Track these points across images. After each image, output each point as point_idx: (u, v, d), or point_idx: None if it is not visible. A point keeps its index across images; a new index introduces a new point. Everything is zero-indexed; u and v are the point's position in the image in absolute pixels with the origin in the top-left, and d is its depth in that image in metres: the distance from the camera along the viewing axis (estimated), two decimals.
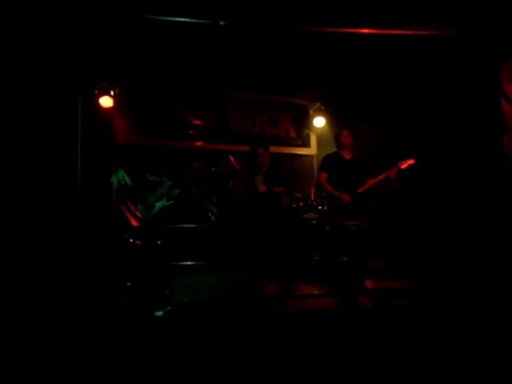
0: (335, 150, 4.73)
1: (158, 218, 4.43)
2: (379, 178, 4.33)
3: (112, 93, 5.08)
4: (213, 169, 4.96)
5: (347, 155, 4.55)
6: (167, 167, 4.92)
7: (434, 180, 4.85)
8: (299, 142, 6.43)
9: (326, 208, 4.74)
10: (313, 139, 6.48)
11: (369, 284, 4.30)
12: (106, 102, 5.06)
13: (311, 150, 6.48)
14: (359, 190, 4.33)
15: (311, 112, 6.20)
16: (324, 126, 6.05)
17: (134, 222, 4.75)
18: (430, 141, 4.91)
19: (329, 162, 4.55)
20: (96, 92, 4.99)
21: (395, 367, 2.32)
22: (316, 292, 4.28)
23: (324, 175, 4.45)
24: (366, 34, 4.17)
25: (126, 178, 5.00)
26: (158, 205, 4.47)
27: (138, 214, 4.73)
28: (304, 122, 6.37)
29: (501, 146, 4.16)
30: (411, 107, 5.21)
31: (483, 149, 4.34)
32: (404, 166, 4.26)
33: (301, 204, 5.19)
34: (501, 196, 4.09)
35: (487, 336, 2.69)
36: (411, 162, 4.28)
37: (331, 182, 4.43)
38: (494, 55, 4.22)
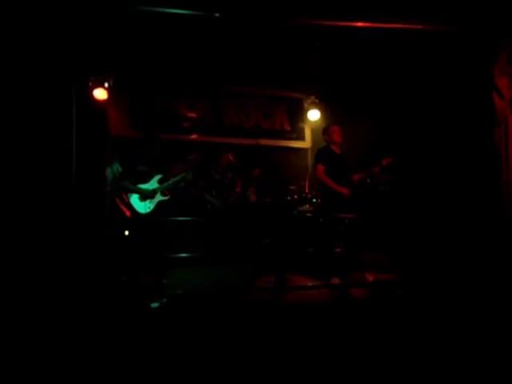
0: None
1: (155, 213, 4.19)
2: (364, 173, 4.48)
3: (106, 85, 5.07)
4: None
5: (337, 150, 4.58)
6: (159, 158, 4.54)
7: (426, 173, 4.93)
8: (294, 135, 6.45)
9: (319, 201, 4.79)
10: (307, 132, 6.51)
11: (370, 276, 4.31)
12: (100, 94, 5.06)
13: (306, 143, 6.51)
14: (355, 181, 4.43)
15: (306, 105, 6.21)
16: (318, 119, 6.07)
17: (128, 215, 4.73)
18: (423, 133, 4.98)
19: (323, 154, 4.54)
20: (90, 84, 4.98)
21: (390, 359, 2.37)
22: (309, 284, 4.35)
23: (321, 167, 4.40)
24: (360, 28, 4.18)
25: (121, 171, 4.97)
26: (153, 201, 4.25)
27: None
28: (298, 115, 6.39)
29: (492, 141, 4.22)
30: (404, 100, 5.25)
31: (475, 143, 4.40)
32: (384, 162, 4.42)
33: (295, 197, 5.24)
34: (491, 189, 4.15)
35: (484, 329, 2.74)
36: (389, 159, 4.43)
37: (327, 174, 4.41)
38: (487, 50, 4.25)
